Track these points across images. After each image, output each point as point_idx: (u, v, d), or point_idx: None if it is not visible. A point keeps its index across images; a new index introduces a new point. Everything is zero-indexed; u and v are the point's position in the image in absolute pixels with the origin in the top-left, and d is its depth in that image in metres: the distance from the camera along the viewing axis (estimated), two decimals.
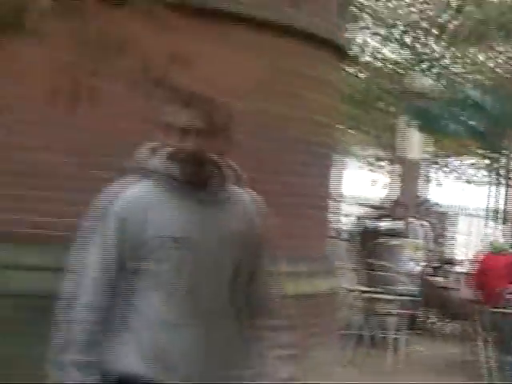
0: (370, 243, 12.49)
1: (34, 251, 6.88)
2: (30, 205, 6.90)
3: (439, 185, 25.60)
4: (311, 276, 8.28)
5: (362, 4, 19.85)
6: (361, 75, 22.30)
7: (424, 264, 13.89)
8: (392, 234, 12.50)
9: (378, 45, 21.97)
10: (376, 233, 12.61)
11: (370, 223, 13.41)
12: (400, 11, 21.64)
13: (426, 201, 18.03)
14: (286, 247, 7.85)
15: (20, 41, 5.08)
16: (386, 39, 21.64)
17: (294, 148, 7.95)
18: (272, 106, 7.66)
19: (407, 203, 14.37)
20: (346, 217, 20.78)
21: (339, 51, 8.95)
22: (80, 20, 3.05)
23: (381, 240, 12.35)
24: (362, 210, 16.93)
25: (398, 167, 17.44)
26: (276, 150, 7.72)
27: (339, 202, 20.53)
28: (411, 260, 13.90)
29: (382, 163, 25.34)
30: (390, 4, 21.86)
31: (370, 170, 26.65)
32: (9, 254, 6.86)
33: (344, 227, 17.47)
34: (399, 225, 12.74)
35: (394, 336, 10.49)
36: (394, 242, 12.34)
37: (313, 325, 8.14)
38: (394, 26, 21.08)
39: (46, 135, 6.89)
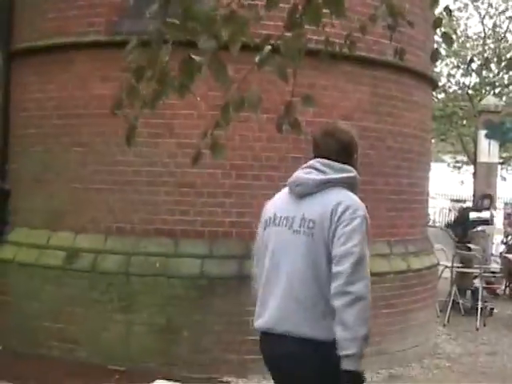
0: (464, 230, 12.53)
1: (202, 244, 7.18)
2: (199, 209, 7.20)
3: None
4: (417, 254, 8.44)
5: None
6: (443, 97, 22.43)
7: (504, 245, 13.92)
8: (482, 221, 12.49)
9: (459, 75, 22.19)
10: (469, 221, 12.61)
11: (464, 213, 13.45)
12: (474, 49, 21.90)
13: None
14: (398, 233, 8.13)
15: None
16: (465, 71, 21.81)
17: (395, 156, 8.08)
18: (375, 123, 7.83)
19: (493, 196, 14.33)
20: (441, 209, 20.80)
21: (431, 81, 9.12)
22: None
23: (473, 226, 12.36)
24: (454, 204, 16.99)
25: (478, 169, 17.41)
26: (378, 157, 7.85)
27: (435, 198, 20.59)
28: (495, 243, 13.93)
29: (467, 167, 25.18)
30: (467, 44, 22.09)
31: (458, 172, 26.51)
32: (180, 246, 7.17)
33: (440, 217, 17.49)
34: (487, 214, 12.70)
35: (482, 304, 10.49)
36: (484, 228, 12.32)
37: (419, 292, 8.31)
38: (471, 60, 21.19)
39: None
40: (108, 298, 7.09)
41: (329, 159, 3.59)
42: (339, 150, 3.61)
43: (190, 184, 7.17)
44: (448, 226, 15.61)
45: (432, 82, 9.22)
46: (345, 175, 3.55)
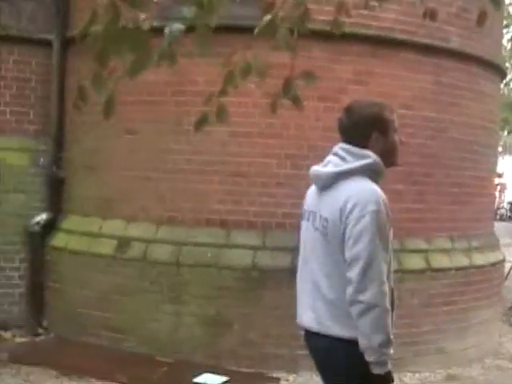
0: None
1: (254, 235, 6.99)
2: (252, 199, 7.02)
3: None
4: (481, 250, 8.09)
5: None
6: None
7: None
8: None
9: None
10: None
11: None
12: None
13: None
14: (460, 228, 7.81)
15: None
16: None
17: (458, 147, 7.72)
18: (436, 113, 7.51)
19: None
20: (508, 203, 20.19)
21: (499, 70, 8.72)
22: None
23: None
24: None
25: None
26: (440, 148, 7.54)
27: (502, 191, 19.94)
28: None
29: None
30: None
31: None
32: (232, 237, 6.99)
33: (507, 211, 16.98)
34: None
35: None
36: None
37: (482, 289, 7.95)
38: None
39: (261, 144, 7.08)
40: (158, 288, 6.98)
41: (348, 142, 3.31)
42: (352, 128, 3.31)
43: (243, 173, 6.98)
44: None
45: (500, 71, 8.81)
46: (363, 162, 3.23)
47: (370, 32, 7.10)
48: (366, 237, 3.06)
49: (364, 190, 3.17)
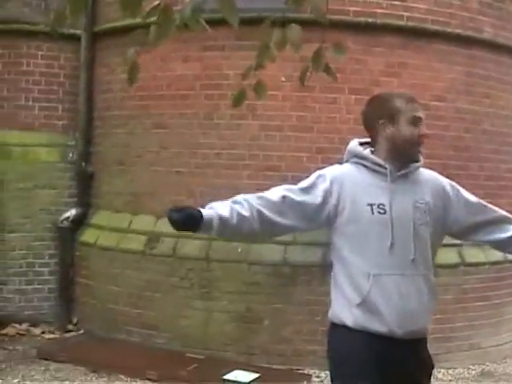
0: None
1: None
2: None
3: None
4: None
5: None
6: None
7: None
8: None
9: None
10: None
11: None
12: None
13: None
14: None
15: None
16: None
17: (492, 139, 7.56)
18: (469, 104, 7.37)
19: None
20: None
21: None
22: None
23: None
24: None
25: None
26: (474, 141, 7.40)
27: None
28: None
29: None
30: None
31: None
32: None
33: None
34: None
35: None
36: None
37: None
38: None
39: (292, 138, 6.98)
40: (188, 283, 6.91)
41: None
42: (363, 117, 3.34)
43: (274, 167, 6.87)
44: None
45: None
46: (345, 153, 3.32)
47: (402, 23, 6.98)
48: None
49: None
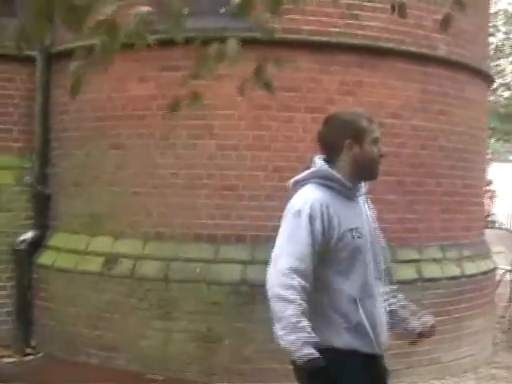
0: None
1: (243, 249, 6.88)
2: (240, 212, 6.91)
3: None
4: (473, 259, 8.00)
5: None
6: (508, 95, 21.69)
7: None
8: None
9: None
10: None
11: None
12: None
13: None
14: (451, 237, 7.72)
15: None
16: None
17: (448, 155, 7.64)
18: (425, 121, 7.43)
19: None
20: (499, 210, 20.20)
21: (486, 77, 8.67)
22: None
23: None
24: None
25: None
26: (430, 157, 7.47)
27: (493, 198, 19.94)
28: None
29: None
30: None
31: None
32: (221, 251, 6.87)
33: (498, 219, 16.94)
34: None
35: None
36: None
37: (474, 298, 7.87)
38: None
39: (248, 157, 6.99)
40: (147, 304, 6.86)
41: (323, 152, 3.37)
42: (326, 137, 3.36)
43: (231, 187, 6.88)
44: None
45: (487, 78, 8.75)
46: (309, 171, 3.31)
47: (356, 41, 7.04)
48: (281, 236, 3.17)
49: (299, 195, 3.24)
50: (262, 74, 3.15)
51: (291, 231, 3.13)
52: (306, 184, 3.26)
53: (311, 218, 3.11)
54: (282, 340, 2.99)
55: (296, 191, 3.28)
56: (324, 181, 3.23)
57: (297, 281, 3.04)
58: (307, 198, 3.17)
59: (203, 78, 3.06)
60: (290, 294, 3.01)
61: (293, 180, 3.34)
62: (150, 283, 6.86)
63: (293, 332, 2.97)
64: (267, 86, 3.15)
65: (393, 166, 6.86)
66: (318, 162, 3.27)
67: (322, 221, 3.13)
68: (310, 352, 2.95)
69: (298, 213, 3.13)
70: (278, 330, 3.01)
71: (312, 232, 3.10)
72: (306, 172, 3.28)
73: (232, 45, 2.90)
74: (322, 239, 3.13)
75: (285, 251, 3.10)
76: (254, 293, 6.69)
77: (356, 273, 3.18)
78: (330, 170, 3.24)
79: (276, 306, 3.03)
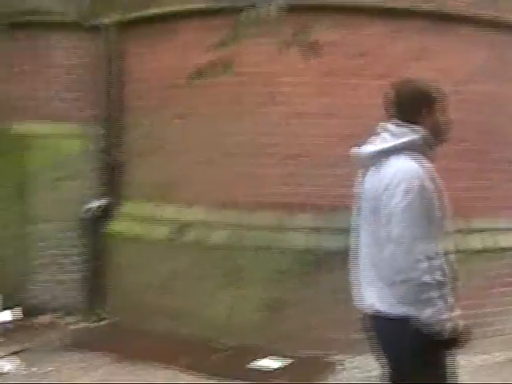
0: None
1: (309, 217, 6.87)
2: (306, 181, 6.90)
3: None
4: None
5: None
6: None
7: None
8: None
9: None
10: None
11: None
12: None
13: None
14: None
15: None
16: None
17: None
18: (494, 87, 7.26)
19: None
20: None
21: None
22: None
23: None
24: None
25: None
26: (499, 124, 7.30)
27: None
28: None
29: None
30: None
31: None
32: (287, 220, 6.89)
33: None
34: None
35: None
36: None
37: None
38: None
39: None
40: (213, 272, 6.92)
41: (399, 118, 3.34)
42: (404, 104, 3.35)
43: (299, 155, 6.86)
44: None
45: None
46: (405, 140, 3.26)
47: (425, 7, 6.89)
48: (409, 214, 3.11)
49: (408, 167, 3.20)
50: (305, 36, 3.14)
51: (420, 208, 3.14)
52: (399, 153, 3.26)
53: (437, 191, 3.22)
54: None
55: (382, 160, 3.29)
56: (423, 148, 3.31)
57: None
58: (419, 171, 3.19)
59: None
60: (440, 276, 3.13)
61: (378, 148, 3.33)
62: (217, 252, 6.90)
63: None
64: (313, 48, 3.12)
65: (460, 133, 6.72)
66: (420, 130, 3.30)
67: (439, 193, 3.24)
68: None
69: (419, 191, 3.14)
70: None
71: (434, 205, 3.19)
72: (400, 141, 3.27)
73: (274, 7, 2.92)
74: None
75: (419, 232, 3.11)
76: (319, 261, 6.69)
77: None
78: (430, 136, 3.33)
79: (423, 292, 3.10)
